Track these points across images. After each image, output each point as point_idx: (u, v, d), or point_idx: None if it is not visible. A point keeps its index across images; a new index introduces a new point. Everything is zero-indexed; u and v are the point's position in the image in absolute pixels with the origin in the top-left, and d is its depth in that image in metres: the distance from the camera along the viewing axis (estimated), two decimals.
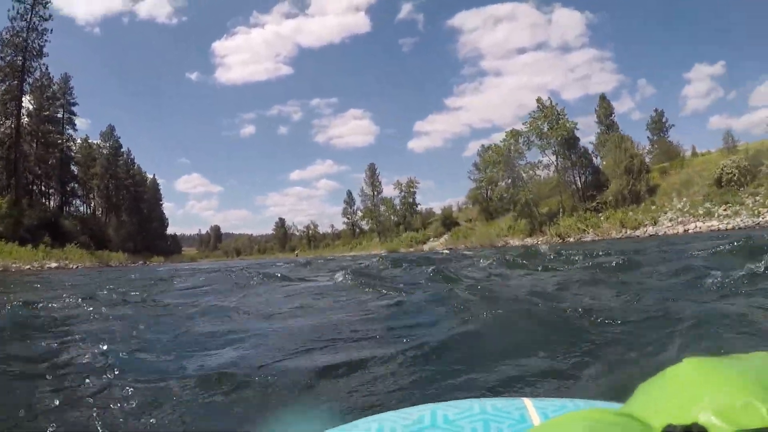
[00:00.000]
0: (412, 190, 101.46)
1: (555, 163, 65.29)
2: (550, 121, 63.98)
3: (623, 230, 54.16)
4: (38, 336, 4.99)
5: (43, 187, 76.28)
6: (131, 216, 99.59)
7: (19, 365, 3.84)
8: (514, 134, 65.90)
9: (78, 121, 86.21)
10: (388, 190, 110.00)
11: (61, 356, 4.00)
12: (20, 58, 61.65)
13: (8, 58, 60.98)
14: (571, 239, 56.57)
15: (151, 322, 5.61)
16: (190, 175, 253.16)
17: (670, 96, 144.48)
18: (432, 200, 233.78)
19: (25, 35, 61.58)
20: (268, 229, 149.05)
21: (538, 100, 65.07)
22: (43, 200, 75.81)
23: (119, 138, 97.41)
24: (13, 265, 43.57)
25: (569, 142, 63.69)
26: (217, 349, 4.23)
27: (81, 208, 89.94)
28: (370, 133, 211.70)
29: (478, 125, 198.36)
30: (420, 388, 3.01)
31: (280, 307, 6.80)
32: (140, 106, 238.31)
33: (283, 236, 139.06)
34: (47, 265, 47.47)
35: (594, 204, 62.12)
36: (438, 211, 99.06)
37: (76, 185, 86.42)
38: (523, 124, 65.75)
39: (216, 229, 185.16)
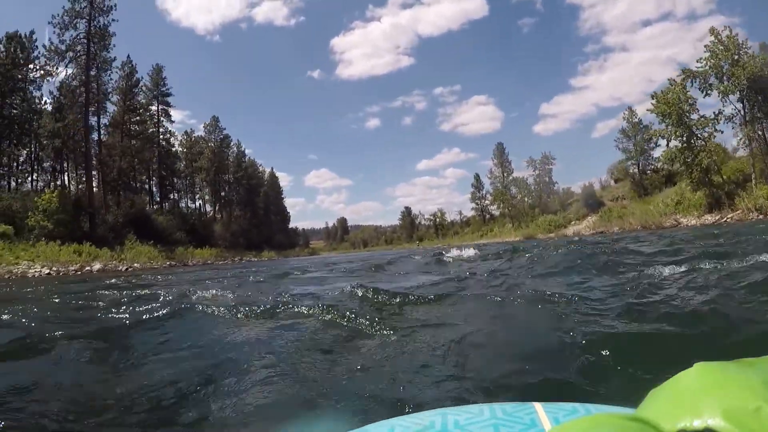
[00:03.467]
0: (547, 167, 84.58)
1: (742, 112, 46.06)
2: (730, 57, 45.17)
3: None
4: None
5: (137, 183, 66.03)
6: (244, 210, 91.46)
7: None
8: (687, 75, 46.62)
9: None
10: (519, 174, 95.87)
11: None
12: (83, 39, 52.54)
13: (68, 41, 50.98)
14: None
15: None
16: (319, 170, 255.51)
17: None
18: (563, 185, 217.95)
19: (88, 12, 52.61)
20: (397, 220, 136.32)
21: (712, 30, 46.13)
22: (143, 196, 68.76)
23: (224, 129, 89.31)
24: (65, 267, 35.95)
25: (758, 84, 44.38)
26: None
27: (186, 204, 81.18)
28: (495, 119, 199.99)
29: (606, 104, 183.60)
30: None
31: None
32: (265, 107, 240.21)
33: (409, 226, 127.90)
34: (95, 267, 39.09)
35: None
36: (577, 191, 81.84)
37: (176, 179, 76.55)
38: (697, 62, 46.44)
39: (342, 221, 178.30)
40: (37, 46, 53.05)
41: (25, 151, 56.13)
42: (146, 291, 10.57)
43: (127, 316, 6.12)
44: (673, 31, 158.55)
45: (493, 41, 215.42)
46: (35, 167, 56.71)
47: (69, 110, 53.20)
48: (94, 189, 58.56)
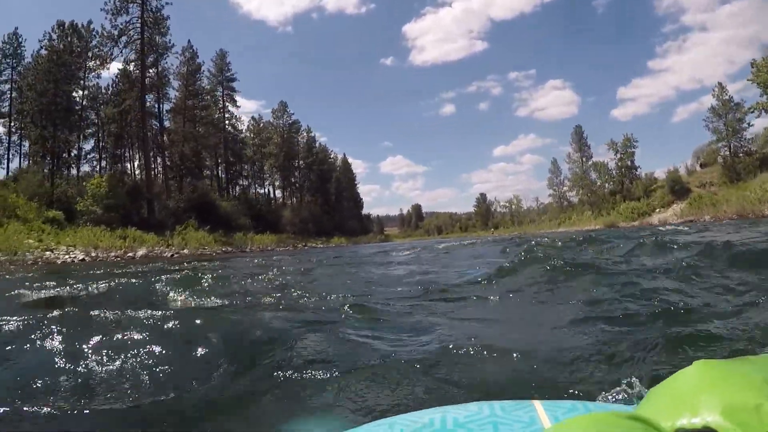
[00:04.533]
0: (629, 150, 77.84)
1: None
2: None
3: None
4: None
5: (201, 169, 64.87)
6: (315, 196, 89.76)
7: None
8: None
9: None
10: (599, 159, 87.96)
11: None
12: (137, 24, 51.61)
13: (121, 26, 50.43)
14: None
15: None
16: (395, 157, 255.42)
17: None
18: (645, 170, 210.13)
19: None
20: (472, 207, 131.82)
21: None
22: (207, 182, 67.57)
23: (293, 114, 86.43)
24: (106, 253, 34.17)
25: None
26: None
27: (254, 190, 79.25)
28: (572, 103, 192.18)
29: (686, 86, 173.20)
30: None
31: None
32: (339, 96, 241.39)
33: (484, 213, 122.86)
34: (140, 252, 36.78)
35: None
36: (660, 177, 75.09)
37: (244, 166, 74.77)
38: None
39: (417, 208, 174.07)
40: (96, 36, 51.89)
41: (93, 140, 55.34)
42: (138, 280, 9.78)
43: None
44: (753, 8, 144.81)
45: (568, 23, 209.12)
46: (102, 155, 55.70)
47: (126, 96, 51.42)
48: (157, 175, 57.15)
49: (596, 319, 3.87)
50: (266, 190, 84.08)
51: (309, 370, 2.93)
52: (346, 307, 4.79)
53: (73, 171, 52.63)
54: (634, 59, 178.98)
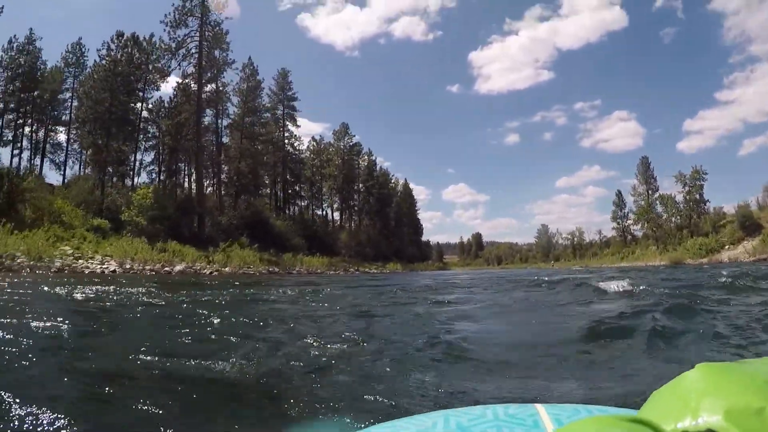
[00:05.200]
0: (698, 183, 73.10)
1: None
2: None
3: None
4: None
5: (257, 187, 63.29)
6: (373, 220, 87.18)
7: None
8: None
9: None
10: (666, 192, 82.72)
11: None
12: (196, 37, 50.88)
13: (179, 38, 49.99)
14: None
15: None
16: (457, 184, 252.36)
17: None
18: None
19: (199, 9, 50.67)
20: (533, 238, 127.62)
21: None
22: (263, 200, 65.75)
23: (354, 136, 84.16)
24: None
25: None
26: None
27: (312, 211, 77.78)
28: (637, 135, 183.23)
29: (754, 119, 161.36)
30: None
31: None
32: (404, 122, 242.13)
33: (546, 244, 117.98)
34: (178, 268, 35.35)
35: None
36: (730, 212, 70.38)
37: (302, 186, 73.60)
38: None
39: (477, 237, 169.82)
40: (156, 49, 51.50)
41: (153, 152, 55.14)
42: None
43: None
44: None
45: (634, 53, 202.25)
46: (161, 168, 55.35)
47: (182, 109, 50.81)
48: (213, 190, 56.41)
49: None
50: (324, 212, 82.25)
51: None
52: None
53: (130, 182, 52.03)
54: (701, 90, 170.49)
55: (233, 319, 6.96)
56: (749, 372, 0.57)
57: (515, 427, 0.99)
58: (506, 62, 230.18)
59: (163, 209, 42.24)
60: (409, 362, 4.44)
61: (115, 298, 10.55)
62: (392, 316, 8.46)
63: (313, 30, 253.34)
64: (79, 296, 10.79)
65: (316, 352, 4.69)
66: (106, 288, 13.36)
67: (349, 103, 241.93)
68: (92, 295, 11.05)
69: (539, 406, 1.08)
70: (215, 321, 6.84)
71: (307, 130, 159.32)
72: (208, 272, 35.07)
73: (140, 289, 13.56)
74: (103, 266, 30.21)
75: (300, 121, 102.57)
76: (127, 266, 31.71)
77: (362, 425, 1.27)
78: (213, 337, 5.71)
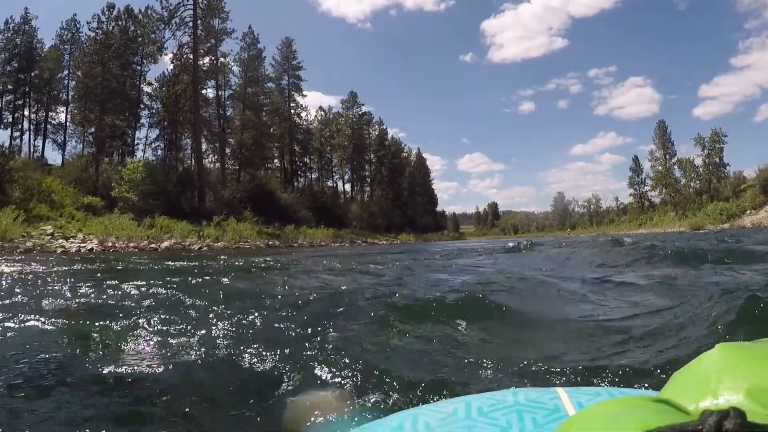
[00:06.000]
0: (718, 146, 69.56)
1: None
2: None
3: None
4: None
5: (261, 159, 61.01)
6: (386, 191, 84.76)
7: None
8: None
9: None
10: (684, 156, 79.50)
11: None
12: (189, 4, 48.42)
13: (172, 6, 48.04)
14: None
15: None
16: (472, 154, 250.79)
17: None
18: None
19: None
20: (549, 206, 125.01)
21: None
22: (270, 173, 64.40)
23: (363, 104, 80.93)
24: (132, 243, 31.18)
25: None
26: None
27: (321, 183, 75.31)
28: (653, 102, 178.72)
29: None
30: None
31: None
32: (418, 92, 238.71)
33: (562, 212, 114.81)
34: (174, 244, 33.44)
35: None
36: (750, 176, 67.18)
37: (311, 157, 71.49)
38: None
39: (493, 206, 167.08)
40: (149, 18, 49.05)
41: (158, 128, 53.09)
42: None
43: None
44: None
45: (649, 19, 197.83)
46: (162, 143, 53.35)
47: (177, 80, 48.51)
48: (216, 164, 54.43)
49: None
50: (335, 184, 79.89)
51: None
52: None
53: (130, 159, 50.02)
54: (717, 56, 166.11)
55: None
56: None
57: (536, 411, 0.97)
58: (519, 30, 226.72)
59: (156, 184, 40.24)
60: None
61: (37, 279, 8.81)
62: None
63: (324, 3, 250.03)
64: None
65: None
66: (49, 268, 11.98)
67: (362, 76, 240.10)
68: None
69: (560, 390, 1.05)
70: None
71: (322, 104, 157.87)
72: (196, 248, 33.17)
73: (81, 266, 12.85)
74: (83, 244, 28.36)
75: (314, 95, 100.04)
76: (109, 244, 29.80)
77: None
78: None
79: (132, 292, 6.45)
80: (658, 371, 2.51)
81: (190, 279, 8.44)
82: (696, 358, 0.60)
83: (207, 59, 51.28)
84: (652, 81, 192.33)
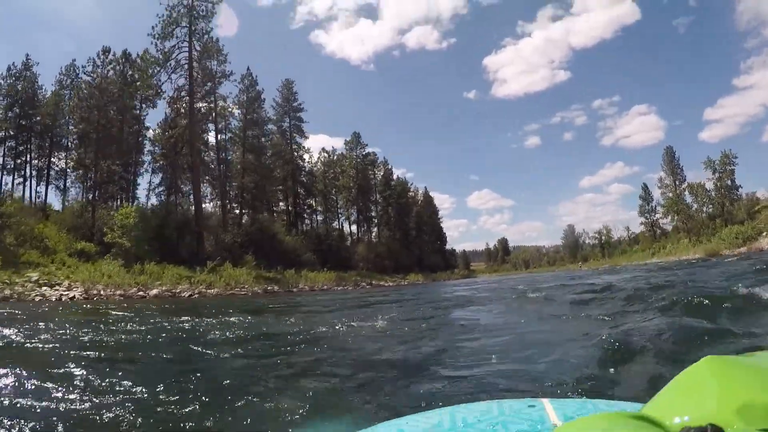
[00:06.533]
0: (729, 168, 67.62)
1: None
2: None
3: None
4: None
5: (263, 202, 59.77)
6: (393, 231, 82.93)
7: None
8: None
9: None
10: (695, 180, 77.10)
11: None
12: (185, 47, 47.33)
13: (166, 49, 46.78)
14: None
15: None
16: (481, 191, 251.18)
17: None
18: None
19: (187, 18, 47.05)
20: (560, 239, 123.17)
21: None
22: (272, 215, 62.11)
23: (366, 145, 79.74)
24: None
25: None
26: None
27: (327, 225, 73.29)
28: (658, 129, 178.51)
29: None
30: None
31: None
32: (424, 131, 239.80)
33: (573, 245, 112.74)
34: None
35: None
36: (763, 197, 65.56)
37: (316, 199, 70.08)
38: None
39: (503, 242, 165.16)
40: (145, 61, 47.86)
41: (161, 173, 51.89)
42: None
43: None
44: None
45: (650, 46, 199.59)
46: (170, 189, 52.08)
47: (175, 123, 47.57)
48: (220, 208, 53.03)
49: None
50: (340, 225, 78.04)
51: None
52: None
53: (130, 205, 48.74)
54: (719, 78, 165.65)
55: None
56: (758, 365, 0.56)
57: (521, 422, 0.97)
58: (521, 65, 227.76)
59: (151, 229, 38.73)
60: None
61: None
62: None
63: (328, 46, 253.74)
64: None
65: None
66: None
67: (367, 117, 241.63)
68: None
69: (545, 401, 1.07)
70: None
71: (327, 147, 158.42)
72: (187, 295, 31.35)
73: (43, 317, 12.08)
74: (66, 292, 26.72)
75: (320, 137, 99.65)
76: (94, 292, 28.12)
77: (367, 424, 1.16)
78: None
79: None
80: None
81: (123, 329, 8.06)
82: (683, 370, 0.59)
83: (205, 102, 50.37)
84: (656, 108, 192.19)
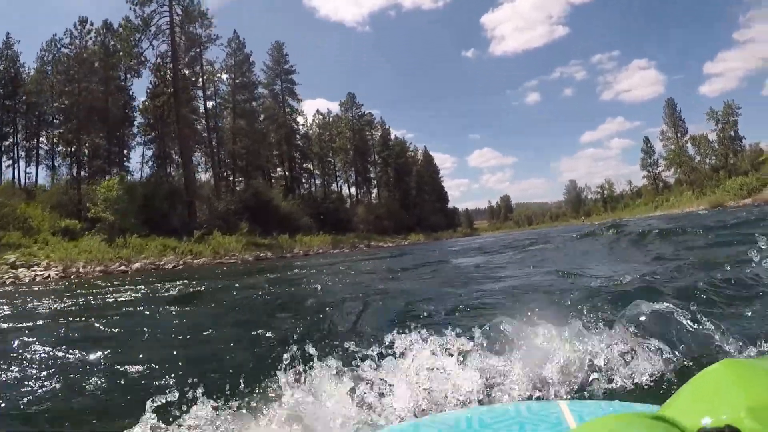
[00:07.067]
0: (732, 119, 65.69)
1: None
2: None
3: None
4: None
5: (254, 168, 57.90)
6: (392, 191, 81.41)
7: None
8: None
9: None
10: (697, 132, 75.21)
11: None
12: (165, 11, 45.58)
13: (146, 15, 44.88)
14: None
15: None
16: (482, 149, 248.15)
17: None
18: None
19: None
20: (562, 195, 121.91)
21: None
22: (267, 181, 60.39)
23: (362, 105, 77.58)
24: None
25: None
26: None
27: (324, 188, 71.87)
28: (658, 83, 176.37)
29: None
30: None
31: None
32: (423, 92, 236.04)
33: (575, 200, 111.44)
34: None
35: None
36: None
37: (312, 162, 68.64)
38: None
39: (505, 200, 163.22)
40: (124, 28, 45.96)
41: (154, 145, 50.49)
42: None
43: None
44: None
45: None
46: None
47: (160, 91, 45.96)
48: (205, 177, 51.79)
49: None
50: (339, 188, 76.87)
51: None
52: None
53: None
54: (718, 32, 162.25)
55: None
56: None
57: (538, 424, 0.99)
58: (519, 21, 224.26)
59: (137, 201, 37.60)
60: None
61: None
62: None
63: (321, 10, 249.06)
64: None
65: None
66: None
67: (365, 79, 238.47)
68: None
69: (562, 403, 1.07)
70: None
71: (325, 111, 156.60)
72: (171, 266, 30.37)
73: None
74: (42, 272, 25.71)
75: (318, 102, 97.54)
76: (72, 270, 27.14)
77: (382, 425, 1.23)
78: None
79: None
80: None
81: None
82: (699, 373, 0.59)
83: (191, 68, 48.68)
84: (655, 62, 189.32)
